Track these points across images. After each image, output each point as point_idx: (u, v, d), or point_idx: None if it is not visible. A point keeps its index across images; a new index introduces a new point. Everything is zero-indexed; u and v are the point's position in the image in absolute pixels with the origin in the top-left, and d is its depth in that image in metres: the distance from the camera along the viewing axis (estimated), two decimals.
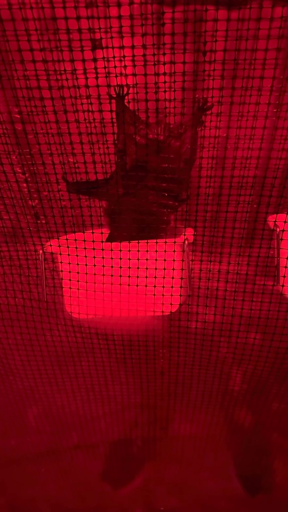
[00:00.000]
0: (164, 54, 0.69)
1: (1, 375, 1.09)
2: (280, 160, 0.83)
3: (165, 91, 0.72)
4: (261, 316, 0.83)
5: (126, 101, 0.77)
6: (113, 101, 0.75)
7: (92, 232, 0.79)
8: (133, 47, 0.68)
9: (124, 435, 1.30)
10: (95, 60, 0.70)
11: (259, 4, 0.67)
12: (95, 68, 0.70)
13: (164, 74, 0.70)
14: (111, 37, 0.69)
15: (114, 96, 0.75)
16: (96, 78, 0.71)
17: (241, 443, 1.28)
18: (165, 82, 0.71)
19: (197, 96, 0.76)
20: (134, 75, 0.70)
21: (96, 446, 1.30)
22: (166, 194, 0.76)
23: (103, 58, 0.71)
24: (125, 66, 0.70)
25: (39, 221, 0.90)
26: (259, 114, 0.75)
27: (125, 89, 0.75)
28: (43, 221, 0.88)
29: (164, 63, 0.69)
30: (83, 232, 0.80)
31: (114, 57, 0.70)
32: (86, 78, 0.72)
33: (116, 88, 0.74)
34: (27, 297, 0.88)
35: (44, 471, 1.27)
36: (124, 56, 0.69)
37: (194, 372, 1.00)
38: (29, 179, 0.92)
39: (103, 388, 1.11)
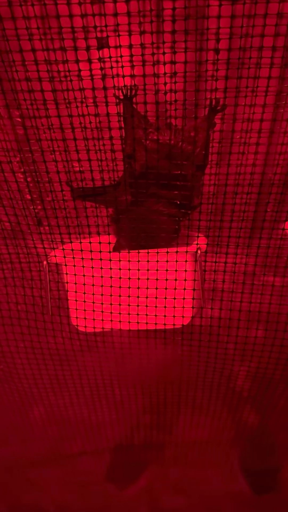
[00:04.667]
0: (164, 53, 0.65)
1: (6, 380, 1.05)
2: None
3: (170, 92, 0.68)
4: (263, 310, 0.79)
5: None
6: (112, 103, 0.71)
7: (100, 242, 0.75)
8: (142, 46, 0.64)
9: (128, 438, 1.27)
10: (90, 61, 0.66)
11: None
12: (90, 70, 0.66)
13: (165, 74, 0.66)
14: (118, 35, 0.65)
15: (121, 97, 0.71)
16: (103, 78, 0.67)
17: (247, 442, 1.25)
18: (168, 83, 0.66)
19: (208, 97, 0.72)
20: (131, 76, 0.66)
21: (101, 449, 1.29)
22: (179, 202, 0.71)
23: (101, 57, 0.66)
24: (133, 66, 0.66)
25: (42, 228, 0.86)
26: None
27: (133, 90, 0.70)
28: (46, 228, 0.84)
29: (165, 63, 0.65)
30: (90, 242, 0.75)
31: (121, 56, 0.65)
32: (92, 79, 0.68)
33: (123, 89, 0.70)
34: (31, 310, 0.84)
35: (48, 475, 1.25)
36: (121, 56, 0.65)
37: (199, 373, 0.97)
38: (31, 184, 0.88)
39: (109, 392, 1.08)
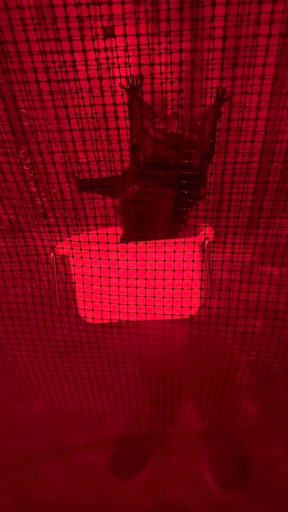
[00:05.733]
0: (159, 43, 0.64)
1: (7, 373, 1.06)
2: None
3: (171, 82, 0.68)
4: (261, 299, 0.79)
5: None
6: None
7: (107, 233, 0.75)
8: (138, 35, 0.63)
9: (131, 430, 1.28)
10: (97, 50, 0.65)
11: None
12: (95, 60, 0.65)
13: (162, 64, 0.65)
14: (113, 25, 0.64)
15: (127, 87, 0.70)
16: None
17: (249, 434, 1.25)
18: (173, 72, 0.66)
19: (214, 86, 0.71)
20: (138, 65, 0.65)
21: (102, 441, 1.29)
22: (186, 192, 0.71)
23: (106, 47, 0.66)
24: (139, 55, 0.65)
25: (47, 220, 0.86)
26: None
27: (139, 80, 0.70)
28: (52, 220, 0.84)
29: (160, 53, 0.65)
30: (97, 233, 0.75)
31: (116, 47, 0.65)
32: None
33: (129, 79, 0.69)
34: (38, 303, 0.84)
35: (51, 467, 1.26)
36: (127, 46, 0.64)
37: (203, 362, 0.97)
38: (37, 176, 0.88)
39: (108, 383, 1.09)
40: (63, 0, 0.61)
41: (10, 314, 0.86)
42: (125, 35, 0.63)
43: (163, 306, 0.79)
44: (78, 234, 0.78)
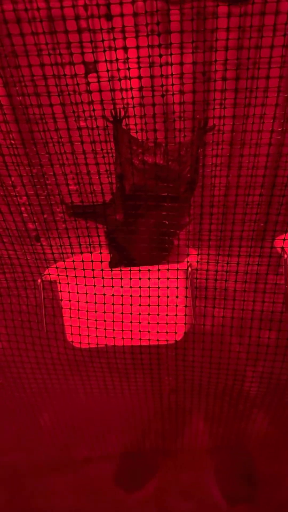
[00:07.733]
0: (160, 55, 0.65)
1: (17, 390, 1.07)
2: None
3: (173, 94, 0.69)
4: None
5: (124, 123, 0.74)
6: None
7: (91, 261, 0.76)
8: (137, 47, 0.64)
9: (138, 444, 1.28)
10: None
11: None
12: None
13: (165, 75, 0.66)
14: (114, 38, 0.65)
15: (111, 120, 0.72)
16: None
17: (257, 448, 1.24)
18: (172, 84, 0.67)
19: (197, 116, 0.73)
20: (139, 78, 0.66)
21: (110, 455, 1.30)
22: (167, 222, 0.72)
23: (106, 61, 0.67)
24: (129, 69, 0.66)
25: (39, 244, 0.87)
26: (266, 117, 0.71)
27: (122, 112, 0.72)
28: (44, 244, 0.86)
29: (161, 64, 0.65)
30: (82, 260, 0.77)
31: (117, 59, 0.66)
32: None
33: (112, 111, 0.71)
34: (27, 327, 0.86)
35: (58, 480, 1.27)
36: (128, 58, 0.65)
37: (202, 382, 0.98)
38: (29, 200, 0.89)
39: (112, 400, 1.09)
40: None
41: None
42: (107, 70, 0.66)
43: (149, 331, 0.80)
44: (64, 260, 0.79)
